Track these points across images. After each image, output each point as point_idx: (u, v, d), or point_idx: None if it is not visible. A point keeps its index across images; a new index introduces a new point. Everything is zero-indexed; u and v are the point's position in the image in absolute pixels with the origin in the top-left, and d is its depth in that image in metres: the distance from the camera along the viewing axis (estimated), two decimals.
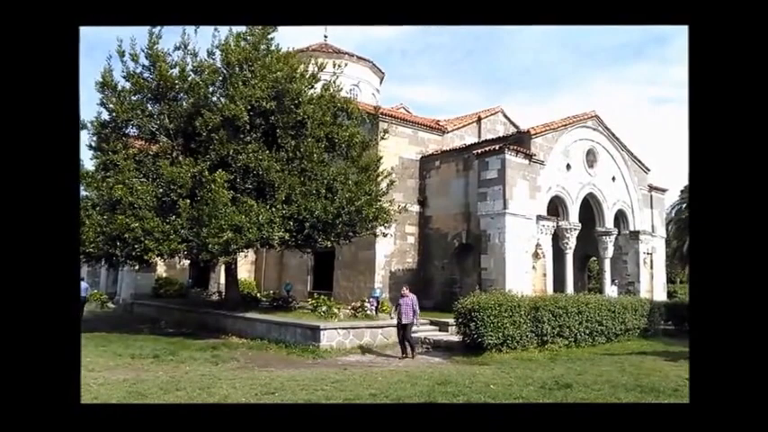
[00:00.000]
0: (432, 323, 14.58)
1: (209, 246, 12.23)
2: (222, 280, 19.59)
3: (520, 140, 16.82)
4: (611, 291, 17.87)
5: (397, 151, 18.93)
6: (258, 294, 19.56)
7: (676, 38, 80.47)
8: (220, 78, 14.37)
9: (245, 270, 23.69)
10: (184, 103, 14.30)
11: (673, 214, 34.67)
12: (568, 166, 17.81)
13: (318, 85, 15.04)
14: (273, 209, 12.93)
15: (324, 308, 13.65)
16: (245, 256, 22.10)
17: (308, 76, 14.78)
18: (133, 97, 14.22)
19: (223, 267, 17.88)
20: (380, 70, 30.24)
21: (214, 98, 14.38)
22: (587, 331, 12.97)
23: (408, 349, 11.56)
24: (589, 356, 11.50)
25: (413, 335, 11.94)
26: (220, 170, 12.64)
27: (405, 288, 12.30)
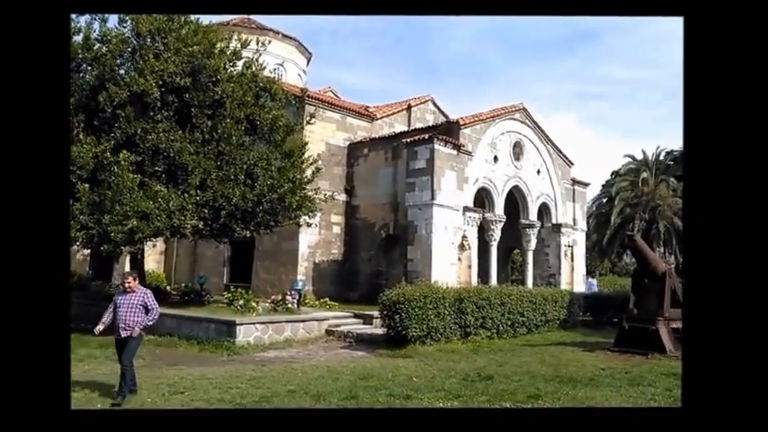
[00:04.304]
0: (356, 316, 14.69)
1: (112, 234, 11.59)
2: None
3: (449, 130, 17.22)
4: (588, 285, 18.41)
5: (323, 137, 18.80)
6: (168, 287, 18.84)
7: (605, 35, 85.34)
8: (129, 50, 13.59)
9: (153, 261, 22.79)
10: (87, 75, 13.38)
11: (594, 208, 36.95)
12: (495, 159, 18.46)
13: (239, 63, 14.59)
14: (186, 195, 12.43)
15: (241, 302, 13.35)
16: (154, 246, 21.16)
17: (228, 53, 14.29)
18: None
19: (128, 258, 17.03)
20: (307, 50, 29.81)
21: (121, 71, 13.58)
22: (509, 323, 13.57)
23: (122, 385, 6.87)
24: (510, 347, 12.04)
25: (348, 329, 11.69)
26: (126, 151, 11.97)
27: (129, 278, 7.32)
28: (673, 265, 13.76)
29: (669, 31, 72.04)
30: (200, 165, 12.79)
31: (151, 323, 7.33)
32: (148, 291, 7.39)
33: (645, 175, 34.86)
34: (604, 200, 37.78)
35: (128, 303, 7.10)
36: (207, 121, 13.28)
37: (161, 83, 12.70)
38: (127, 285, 7.22)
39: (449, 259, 16.48)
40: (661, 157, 38.18)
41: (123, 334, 7.04)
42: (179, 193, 12.47)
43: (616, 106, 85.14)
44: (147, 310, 7.14)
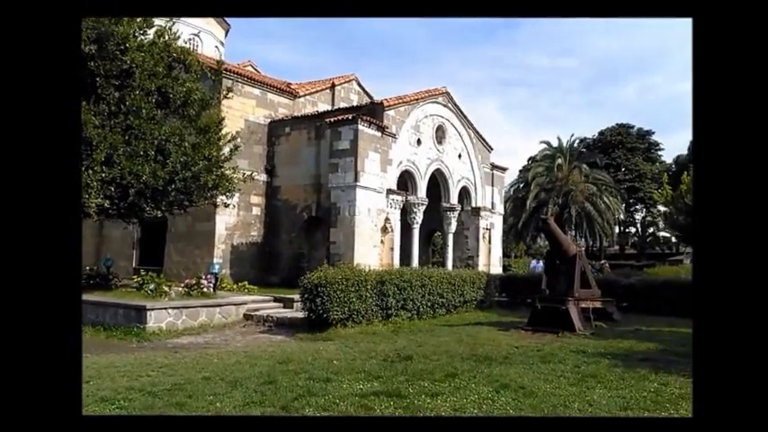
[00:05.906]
0: (276, 300, 14.51)
1: None
2: None
3: (373, 111, 17.22)
4: (537, 267, 18.99)
5: (242, 113, 18.21)
6: None
7: (527, 23, 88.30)
8: None
9: None
10: None
11: (511, 192, 38.56)
12: (419, 141, 18.72)
13: (151, 31, 13.74)
14: (90, 171, 11.63)
15: (152, 286, 12.78)
16: None
17: (138, 19, 13.39)
18: None
19: None
20: (226, 21, 28.64)
21: None
22: (429, 304, 13.93)
23: None
24: (430, 328, 12.38)
25: (255, 312, 11.49)
26: None
27: None
28: (583, 248, 14.64)
29: (587, 22, 75.82)
30: (105, 139, 11.99)
31: None
32: None
33: (560, 161, 36.75)
34: (521, 184, 39.53)
35: None
36: (114, 93, 12.44)
37: None
38: None
39: (372, 242, 16.60)
40: (575, 145, 40.37)
41: None
42: (82, 169, 11.66)
43: (536, 93, 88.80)
44: None
